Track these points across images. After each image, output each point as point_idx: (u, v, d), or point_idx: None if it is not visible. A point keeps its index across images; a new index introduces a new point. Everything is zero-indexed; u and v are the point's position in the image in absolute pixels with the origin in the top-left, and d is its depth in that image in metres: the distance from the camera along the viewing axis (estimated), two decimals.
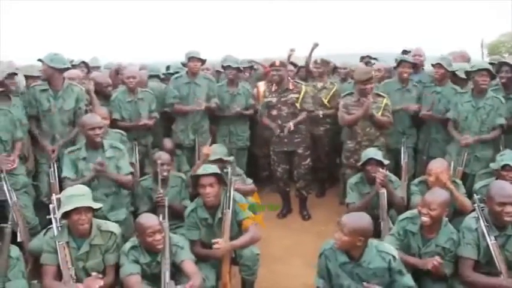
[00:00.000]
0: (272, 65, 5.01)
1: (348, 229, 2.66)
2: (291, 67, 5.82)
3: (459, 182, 3.95)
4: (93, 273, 2.82)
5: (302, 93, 4.99)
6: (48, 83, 4.28)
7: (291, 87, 5.03)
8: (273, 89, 5.09)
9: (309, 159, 5.17)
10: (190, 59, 5.13)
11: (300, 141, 5.07)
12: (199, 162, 4.27)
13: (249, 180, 4.41)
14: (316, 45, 5.98)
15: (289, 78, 5.16)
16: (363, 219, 2.73)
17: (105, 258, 3.01)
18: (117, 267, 3.01)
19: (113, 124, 4.66)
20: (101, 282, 2.75)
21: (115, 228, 3.10)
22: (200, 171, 3.40)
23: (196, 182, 3.40)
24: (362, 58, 6.50)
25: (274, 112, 5.05)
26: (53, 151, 4.18)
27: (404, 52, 5.90)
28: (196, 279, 2.87)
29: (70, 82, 4.39)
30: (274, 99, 5.04)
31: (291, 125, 4.83)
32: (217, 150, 4.19)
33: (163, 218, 3.14)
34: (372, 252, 2.75)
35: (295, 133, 5.00)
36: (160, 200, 3.63)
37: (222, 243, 3.17)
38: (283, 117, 5.00)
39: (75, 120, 4.32)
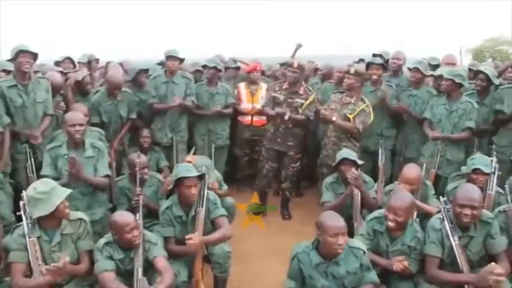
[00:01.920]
0: (290, 65, 4.97)
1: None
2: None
3: (428, 183, 4.04)
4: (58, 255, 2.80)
5: (309, 100, 4.95)
6: (14, 77, 4.22)
7: (301, 91, 4.98)
8: (284, 87, 5.04)
9: (298, 162, 5.19)
10: (169, 57, 5.15)
11: (292, 145, 5.06)
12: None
13: (225, 186, 4.42)
14: (299, 46, 6.04)
15: (303, 82, 5.10)
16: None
17: (78, 246, 3.02)
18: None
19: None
20: (66, 259, 2.75)
21: (83, 215, 3.12)
22: (183, 172, 3.38)
23: (180, 182, 3.39)
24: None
25: (277, 109, 4.97)
26: (35, 137, 4.15)
27: (375, 55, 5.89)
28: (168, 277, 2.89)
29: (37, 75, 4.36)
30: (281, 97, 4.99)
31: (288, 114, 4.82)
32: (201, 163, 4.00)
33: (138, 215, 3.17)
34: (345, 249, 2.82)
35: (290, 136, 5.02)
36: (138, 199, 3.59)
37: (195, 237, 3.20)
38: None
39: (50, 113, 4.34)
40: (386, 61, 5.51)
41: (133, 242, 2.95)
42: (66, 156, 3.66)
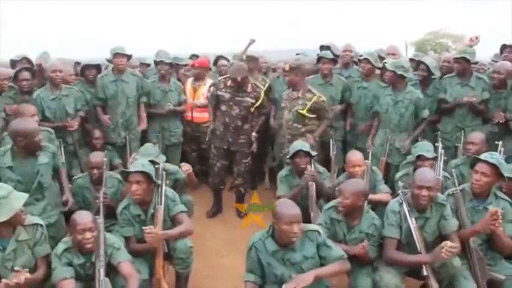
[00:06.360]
0: (234, 80, 4.83)
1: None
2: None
3: (375, 169, 4.18)
4: (17, 268, 2.63)
5: (261, 100, 4.96)
6: None
7: (249, 89, 4.93)
8: (228, 84, 4.95)
9: (249, 158, 5.16)
10: (115, 55, 5.03)
11: (244, 143, 5.03)
12: None
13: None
14: (252, 41, 6.06)
15: (250, 78, 5.02)
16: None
17: (35, 251, 2.90)
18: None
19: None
20: (27, 275, 2.60)
21: (38, 219, 3.00)
22: (130, 167, 3.38)
23: (126, 178, 3.41)
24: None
25: (224, 108, 4.95)
26: None
27: (322, 47, 5.95)
28: (134, 283, 2.85)
29: None
30: (227, 95, 4.92)
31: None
32: (149, 151, 4.08)
33: (98, 214, 3.11)
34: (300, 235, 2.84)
35: (241, 134, 4.99)
36: (104, 199, 3.52)
37: (153, 229, 3.16)
38: (232, 116, 4.92)
39: None
40: (337, 56, 5.60)
41: (83, 244, 2.83)
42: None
